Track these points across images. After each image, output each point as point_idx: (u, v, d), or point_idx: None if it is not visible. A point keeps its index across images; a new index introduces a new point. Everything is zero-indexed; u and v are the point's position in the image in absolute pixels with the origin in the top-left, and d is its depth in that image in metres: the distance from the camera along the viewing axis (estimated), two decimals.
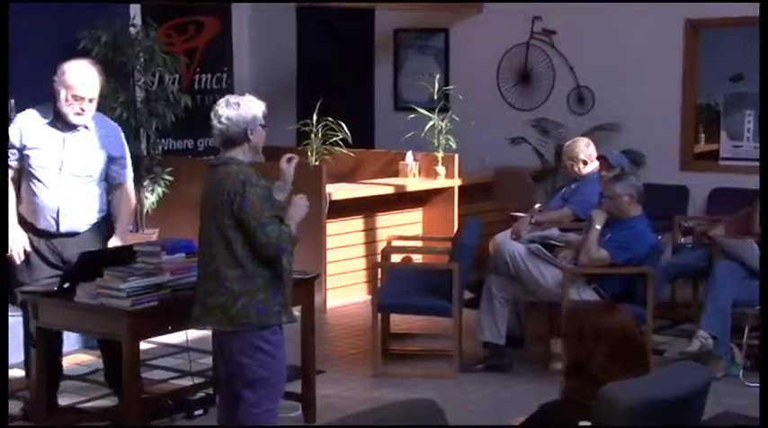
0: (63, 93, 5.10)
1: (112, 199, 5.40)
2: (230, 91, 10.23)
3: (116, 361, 5.38)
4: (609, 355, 3.21)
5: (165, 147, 9.19)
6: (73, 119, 5.14)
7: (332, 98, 8.91)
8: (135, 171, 7.93)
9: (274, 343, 4.36)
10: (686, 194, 8.71)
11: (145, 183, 8.07)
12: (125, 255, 4.75)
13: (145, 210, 8.09)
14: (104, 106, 7.53)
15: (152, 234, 7.97)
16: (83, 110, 5.12)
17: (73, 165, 5.20)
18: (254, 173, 4.30)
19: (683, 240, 7.84)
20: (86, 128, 5.23)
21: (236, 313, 4.29)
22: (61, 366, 5.49)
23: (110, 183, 5.39)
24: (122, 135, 5.51)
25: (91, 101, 5.15)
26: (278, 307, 4.34)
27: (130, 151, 7.86)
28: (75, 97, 5.09)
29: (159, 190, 8.10)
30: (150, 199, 8.09)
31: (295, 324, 4.67)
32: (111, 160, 5.35)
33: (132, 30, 8.11)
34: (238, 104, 4.35)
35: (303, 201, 4.43)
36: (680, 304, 7.73)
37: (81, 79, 5.11)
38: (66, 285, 4.77)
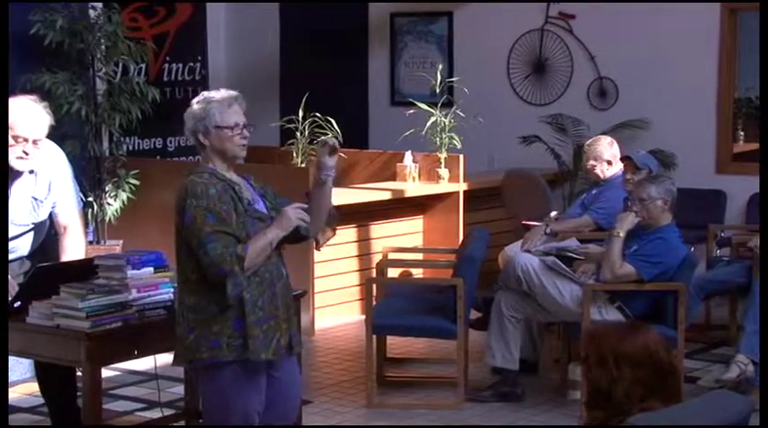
0: None
1: (58, 244, 5.33)
2: (204, 83, 10.25)
3: (57, 391, 5.40)
4: (634, 381, 3.22)
5: (130, 147, 9.20)
6: (15, 164, 5.00)
7: (320, 91, 8.93)
8: (96, 173, 8.05)
9: (237, 380, 4.20)
10: (723, 200, 8.73)
11: (107, 188, 8.08)
12: (84, 270, 4.74)
13: (107, 219, 8.10)
14: (60, 100, 7.61)
15: (115, 246, 7.97)
16: (26, 153, 4.98)
17: (16, 216, 5.13)
18: (208, 181, 4.18)
19: (718, 252, 7.86)
20: (32, 172, 5.11)
21: (188, 345, 4.22)
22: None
23: (54, 225, 5.33)
24: (68, 167, 5.32)
25: (35, 142, 5.00)
26: (239, 339, 4.15)
27: (90, 151, 7.99)
28: (16, 138, 4.96)
29: (123, 195, 8.10)
30: (113, 206, 8.09)
31: None
32: (55, 203, 5.27)
33: (92, 13, 8.12)
34: (191, 103, 4.31)
35: (294, 213, 4.23)
36: (716, 325, 7.74)
37: (23, 117, 4.98)
38: (17, 304, 4.77)
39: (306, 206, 4.29)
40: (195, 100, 4.32)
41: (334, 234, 7.12)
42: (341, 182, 8.71)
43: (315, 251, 7.79)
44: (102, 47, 8.04)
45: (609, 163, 7.16)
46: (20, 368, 6.37)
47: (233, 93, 4.34)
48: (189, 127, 4.29)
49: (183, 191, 4.18)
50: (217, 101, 4.27)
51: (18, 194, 5.11)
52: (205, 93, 4.33)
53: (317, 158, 4.40)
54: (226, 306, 4.14)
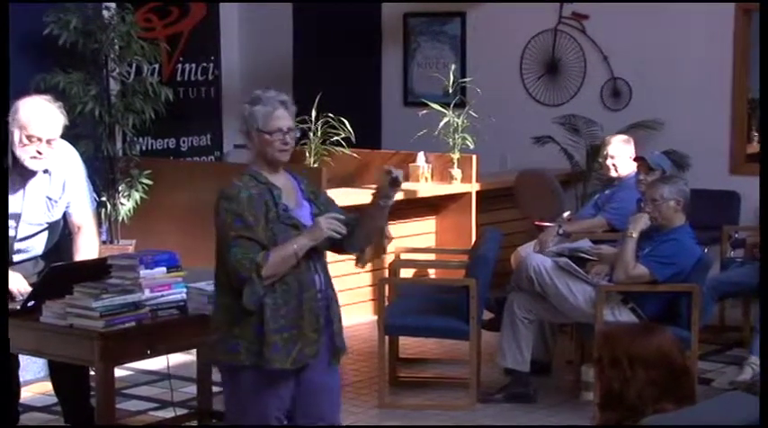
0: (17, 134, 4.98)
1: (72, 243, 5.33)
2: (217, 83, 10.27)
3: (71, 390, 5.42)
4: (647, 382, 3.22)
5: (144, 147, 9.22)
6: (29, 163, 5.01)
7: (333, 91, 8.92)
8: (109, 173, 8.07)
9: (254, 387, 4.17)
10: (737, 201, 8.70)
11: (120, 188, 8.09)
12: (98, 270, 4.76)
13: (120, 219, 8.11)
14: (74, 100, 7.63)
15: (128, 245, 7.99)
16: (40, 153, 4.99)
17: (30, 215, 5.14)
18: (244, 184, 4.14)
19: (732, 254, 7.83)
20: (46, 171, 5.12)
21: (212, 344, 4.22)
22: (18, 395, 5.51)
23: (67, 224, 5.34)
24: (82, 167, 5.34)
25: (49, 142, 5.01)
26: (257, 345, 4.10)
27: (104, 151, 8.00)
28: (30, 137, 4.97)
29: (136, 195, 8.11)
30: (126, 206, 8.10)
31: None
32: (69, 202, 5.27)
33: (106, 13, 8.13)
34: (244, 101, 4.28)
35: (327, 223, 4.14)
36: (729, 327, 7.73)
37: (36, 117, 4.99)
38: (30, 303, 4.78)
39: (342, 217, 4.20)
40: (248, 99, 4.28)
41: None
42: (353, 182, 8.72)
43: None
44: (116, 47, 8.06)
45: (626, 160, 7.16)
46: (33, 367, 6.39)
47: (282, 96, 4.28)
48: (239, 126, 4.26)
49: (221, 192, 4.15)
50: (263, 103, 4.22)
51: (32, 194, 5.12)
52: (258, 92, 4.27)
53: (379, 184, 4.30)
54: (249, 310, 4.09)
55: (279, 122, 4.21)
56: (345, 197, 8.09)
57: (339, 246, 4.35)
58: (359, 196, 8.20)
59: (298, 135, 4.32)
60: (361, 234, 4.32)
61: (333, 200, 4.44)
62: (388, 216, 4.37)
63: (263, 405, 4.19)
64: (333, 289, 4.36)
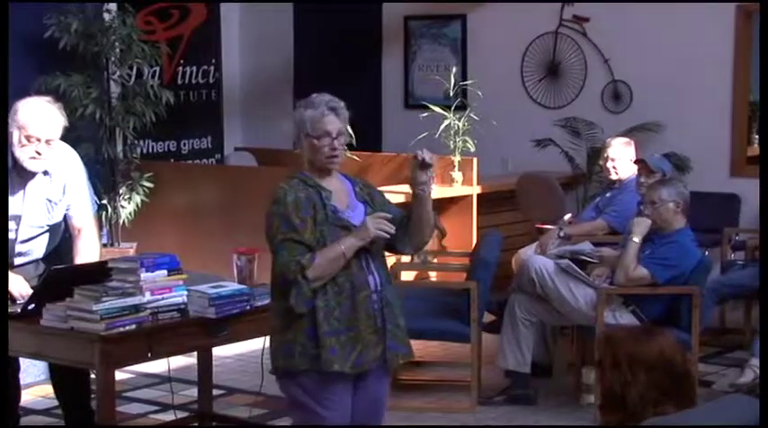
0: (16, 135, 4.97)
1: (73, 246, 5.33)
2: (218, 86, 10.27)
3: (71, 393, 5.42)
4: (648, 385, 3.22)
5: (144, 150, 9.22)
6: (28, 164, 5.00)
7: (334, 94, 8.88)
8: (110, 176, 8.07)
9: (313, 391, 4.09)
10: (737, 203, 8.70)
11: (121, 191, 8.10)
12: (99, 272, 4.75)
13: (121, 222, 8.12)
14: (75, 103, 7.64)
15: (129, 248, 7.99)
16: (39, 153, 4.98)
17: (31, 217, 5.15)
18: (291, 187, 4.08)
19: (733, 256, 7.84)
20: (46, 173, 5.11)
21: (272, 352, 4.17)
22: (18, 398, 5.51)
23: (68, 227, 5.33)
24: (82, 169, 5.32)
25: (48, 142, 5.00)
26: (313, 349, 4.02)
27: (105, 154, 8.01)
28: (29, 138, 4.96)
29: (137, 198, 8.12)
30: (127, 208, 8.11)
31: None
32: (70, 205, 5.26)
33: (107, 16, 8.15)
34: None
35: (374, 224, 4.06)
36: (730, 329, 7.72)
37: (35, 117, 4.98)
38: (31, 306, 4.78)
39: (389, 216, 4.11)
40: (300, 103, 4.25)
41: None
42: None
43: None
44: (117, 50, 8.07)
45: (628, 162, 7.16)
46: (34, 370, 6.39)
47: (334, 102, 4.26)
48: (294, 126, 4.23)
49: (271, 196, 4.11)
50: (313, 107, 4.20)
51: (32, 195, 5.12)
52: (313, 95, 4.26)
53: (410, 173, 4.20)
54: (299, 314, 4.03)
55: (327, 126, 4.17)
56: None
57: (393, 246, 4.27)
58: None
59: (346, 141, 4.23)
60: (411, 231, 4.23)
61: (389, 201, 4.37)
62: (432, 206, 4.23)
63: (320, 408, 4.10)
64: (391, 290, 4.24)
